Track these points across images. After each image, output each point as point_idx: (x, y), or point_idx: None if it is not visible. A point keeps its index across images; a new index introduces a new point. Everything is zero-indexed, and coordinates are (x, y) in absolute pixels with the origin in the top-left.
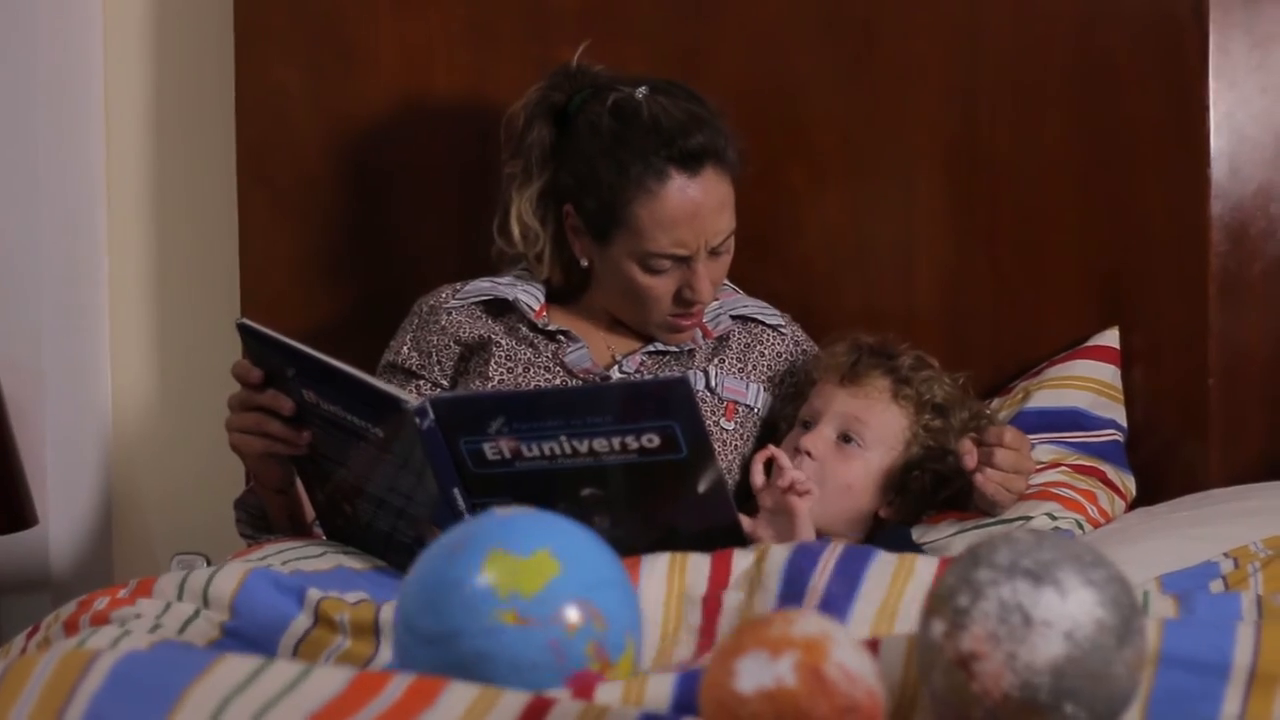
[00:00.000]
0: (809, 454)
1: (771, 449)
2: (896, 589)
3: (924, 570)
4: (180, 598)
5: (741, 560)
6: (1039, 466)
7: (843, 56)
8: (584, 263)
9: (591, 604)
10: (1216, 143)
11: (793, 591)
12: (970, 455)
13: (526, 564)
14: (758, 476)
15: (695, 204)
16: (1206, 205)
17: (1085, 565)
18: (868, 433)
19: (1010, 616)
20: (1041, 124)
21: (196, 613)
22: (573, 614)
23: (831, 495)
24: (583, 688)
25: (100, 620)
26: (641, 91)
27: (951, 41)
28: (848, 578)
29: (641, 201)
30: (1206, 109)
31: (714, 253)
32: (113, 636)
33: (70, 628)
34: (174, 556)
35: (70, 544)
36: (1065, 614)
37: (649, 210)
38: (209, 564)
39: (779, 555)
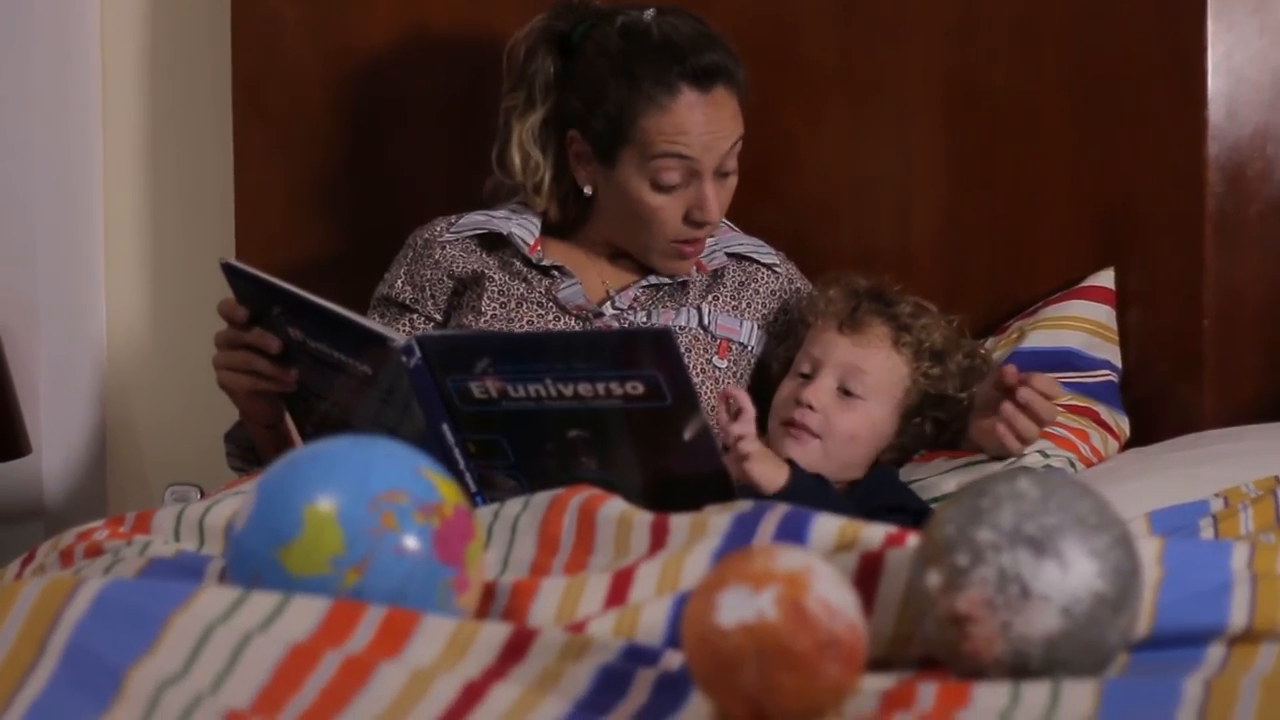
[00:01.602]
0: (811, 406)
1: (732, 390)
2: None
3: (869, 539)
4: (178, 531)
5: (677, 535)
6: None
7: None
8: (587, 190)
9: (380, 500)
10: (1214, 84)
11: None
12: (1012, 376)
13: (310, 534)
14: (723, 416)
15: (706, 118)
16: (1203, 147)
17: (1089, 531)
18: (869, 381)
19: (1009, 586)
20: (1039, 63)
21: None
22: (378, 520)
23: (836, 446)
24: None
25: (95, 551)
26: (649, 14)
27: None
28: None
29: (651, 115)
30: (1204, 50)
31: (721, 174)
32: (104, 566)
33: (66, 557)
34: (168, 488)
35: (64, 473)
36: (1064, 589)
37: (658, 123)
38: (202, 495)
39: (719, 521)
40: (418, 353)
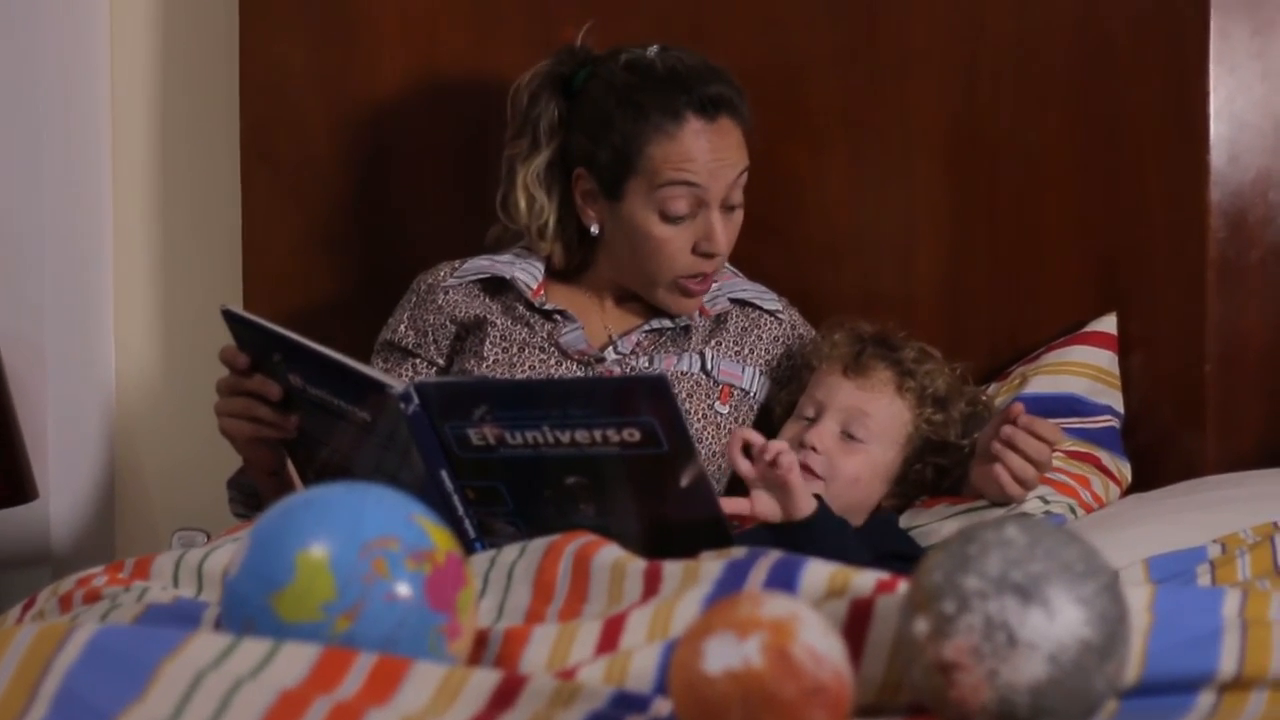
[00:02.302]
0: (814, 449)
1: (745, 432)
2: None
3: (859, 586)
4: (176, 577)
5: (670, 581)
6: None
7: (845, 38)
8: (594, 229)
9: (371, 547)
10: (1216, 129)
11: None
12: (1014, 413)
13: (302, 581)
14: (736, 458)
15: (712, 146)
16: (1206, 192)
17: (1076, 579)
18: (872, 425)
19: (995, 634)
20: (1042, 108)
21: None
22: (370, 567)
23: (838, 488)
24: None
25: (93, 597)
26: (653, 50)
27: (953, 25)
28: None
29: (659, 143)
30: (1207, 95)
31: (728, 207)
32: (101, 612)
33: (65, 603)
34: (174, 533)
35: (71, 518)
36: (1051, 636)
37: (665, 152)
38: (209, 540)
39: (711, 568)
40: (416, 399)
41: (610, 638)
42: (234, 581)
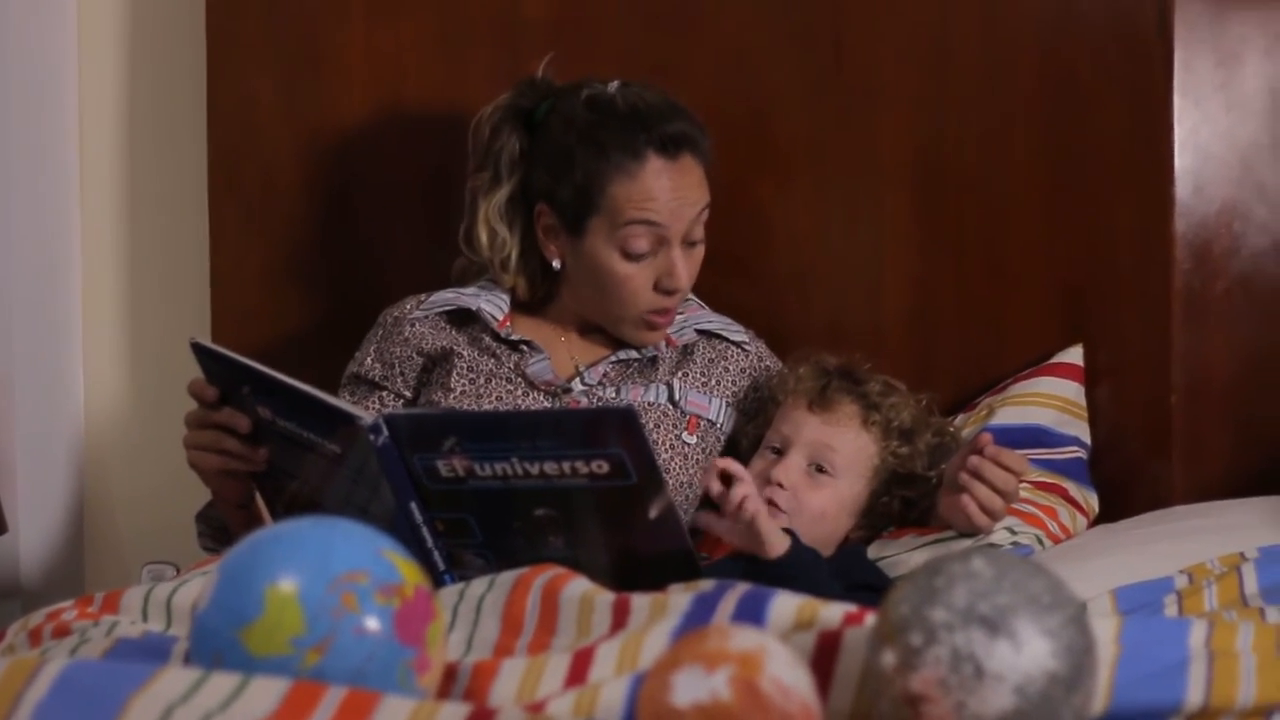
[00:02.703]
0: (780, 484)
1: (726, 462)
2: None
3: (827, 618)
4: (145, 611)
5: (638, 614)
6: None
7: (812, 71)
8: (556, 264)
9: (340, 581)
10: (1181, 160)
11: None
12: (981, 443)
13: (271, 615)
14: (713, 485)
15: (674, 185)
16: (1171, 223)
17: (1042, 611)
18: (838, 460)
19: (962, 666)
20: (1007, 140)
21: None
22: (339, 601)
23: (805, 524)
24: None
25: (63, 631)
26: (614, 86)
27: (919, 57)
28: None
29: (620, 182)
30: (1171, 127)
31: (689, 243)
32: (71, 646)
33: (34, 637)
34: (144, 566)
35: (41, 552)
36: (1017, 668)
37: (626, 191)
38: (179, 573)
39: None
40: (385, 431)
41: (579, 671)
42: (203, 615)
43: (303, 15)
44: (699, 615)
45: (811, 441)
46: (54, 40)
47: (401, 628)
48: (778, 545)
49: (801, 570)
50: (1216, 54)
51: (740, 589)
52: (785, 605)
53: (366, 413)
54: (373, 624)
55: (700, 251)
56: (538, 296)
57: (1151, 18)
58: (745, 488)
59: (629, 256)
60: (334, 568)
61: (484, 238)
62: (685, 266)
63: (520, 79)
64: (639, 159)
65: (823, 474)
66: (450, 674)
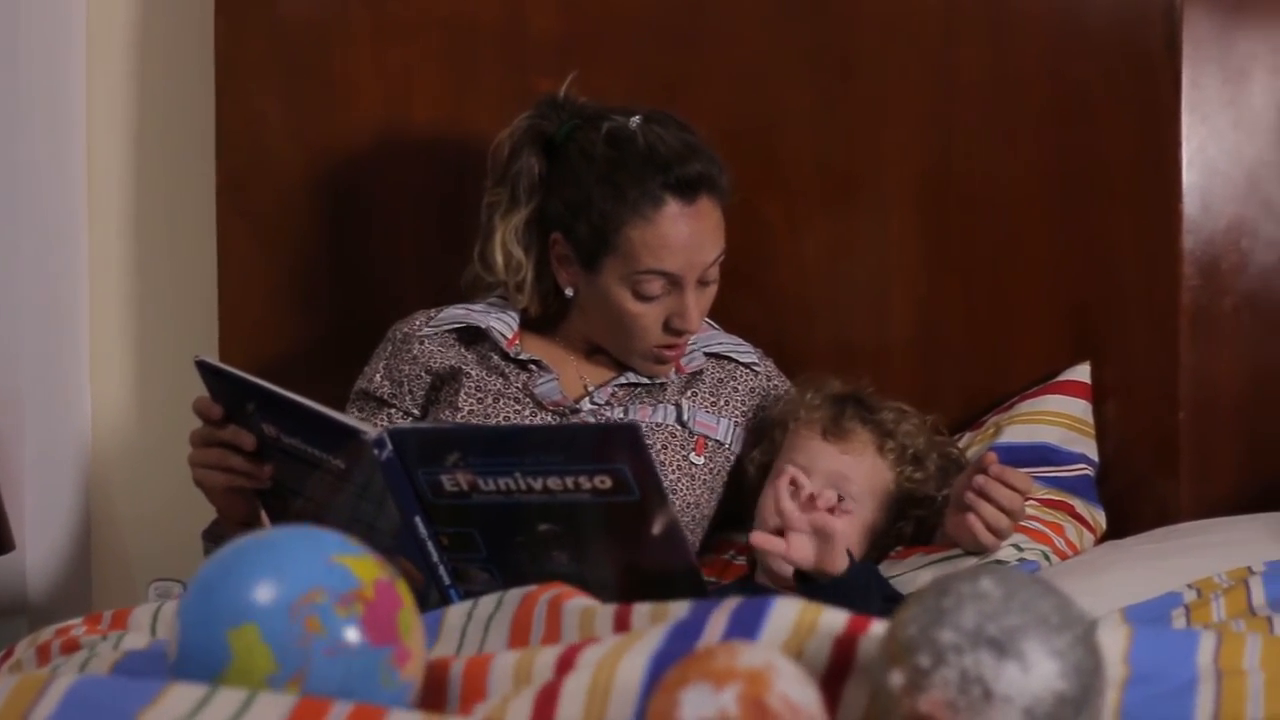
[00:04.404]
0: (816, 504)
1: (793, 470)
2: (795, 643)
3: (829, 625)
4: (154, 628)
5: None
6: None
7: (820, 91)
8: (568, 292)
9: (299, 606)
10: (1188, 177)
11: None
12: (987, 462)
13: (240, 660)
14: (783, 497)
15: (690, 231)
16: (1178, 240)
17: (1051, 631)
18: (855, 489)
19: (971, 688)
20: (1015, 159)
21: None
22: (303, 628)
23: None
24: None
25: (71, 647)
26: (635, 121)
27: (926, 77)
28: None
29: (636, 226)
30: (1179, 144)
31: (702, 283)
32: (80, 662)
33: (43, 654)
34: (151, 584)
35: (48, 569)
36: (1026, 690)
37: (643, 235)
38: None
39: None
40: (389, 445)
41: (568, 658)
42: (176, 668)
43: (310, 35)
44: (693, 626)
45: (829, 472)
46: (63, 60)
47: (371, 631)
48: (843, 559)
49: (856, 589)
50: (1224, 71)
51: (734, 600)
52: (783, 615)
53: (371, 427)
54: (342, 640)
55: (713, 290)
56: (549, 315)
57: (1159, 35)
58: (826, 500)
59: (641, 297)
60: (289, 593)
61: (500, 260)
62: (697, 306)
63: (532, 99)
64: (656, 203)
65: (844, 502)
66: (442, 676)
